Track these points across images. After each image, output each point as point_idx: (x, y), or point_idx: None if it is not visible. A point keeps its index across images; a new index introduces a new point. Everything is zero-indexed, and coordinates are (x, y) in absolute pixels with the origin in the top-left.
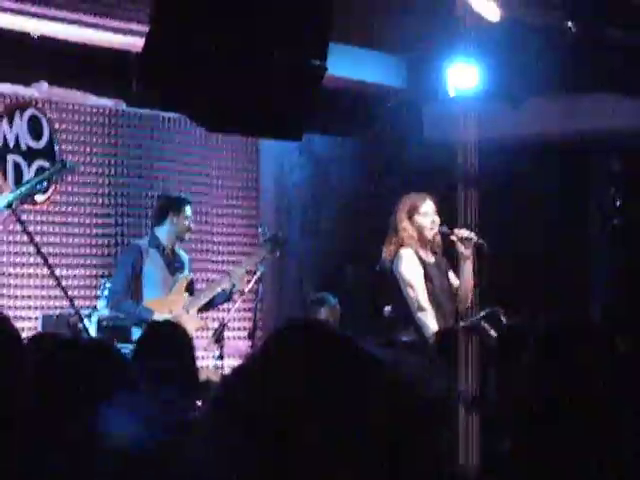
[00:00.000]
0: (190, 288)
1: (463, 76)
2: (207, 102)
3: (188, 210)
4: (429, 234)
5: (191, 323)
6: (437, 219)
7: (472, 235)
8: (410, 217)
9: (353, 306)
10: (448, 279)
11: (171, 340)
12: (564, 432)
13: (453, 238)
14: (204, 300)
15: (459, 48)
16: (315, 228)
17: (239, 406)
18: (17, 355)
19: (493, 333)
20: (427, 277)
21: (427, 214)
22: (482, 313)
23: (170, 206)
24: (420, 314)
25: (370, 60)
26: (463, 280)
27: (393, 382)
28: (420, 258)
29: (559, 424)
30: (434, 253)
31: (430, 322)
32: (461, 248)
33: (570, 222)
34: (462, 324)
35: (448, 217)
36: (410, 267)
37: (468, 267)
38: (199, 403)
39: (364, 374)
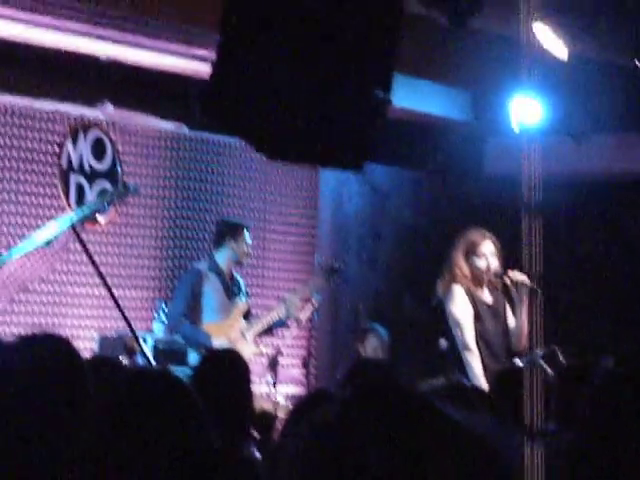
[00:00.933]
0: (247, 314)
1: (527, 111)
2: (268, 130)
3: (246, 235)
4: (484, 276)
5: (248, 349)
6: (494, 262)
7: (525, 279)
8: (467, 256)
9: (408, 338)
10: (503, 319)
11: (229, 369)
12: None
13: (507, 281)
14: (261, 326)
15: (523, 83)
16: (372, 258)
17: (317, 466)
18: (80, 384)
19: (551, 372)
20: (477, 317)
21: (484, 256)
22: (540, 352)
23: (228, 231)
24: (466, 353)
25: (434, 93)
26: (517, 322)
27: (474, 448)
28: (472, 297)
29: (620, 466)
30: (492, 291)
31: (475, 363)
32: (514, 291)
33: (635, 258)
34: (520, 363)
35: (509, 252)
36: (460, 306)
37: (522, 310)
38: (254, 433)
39: (446, 440)
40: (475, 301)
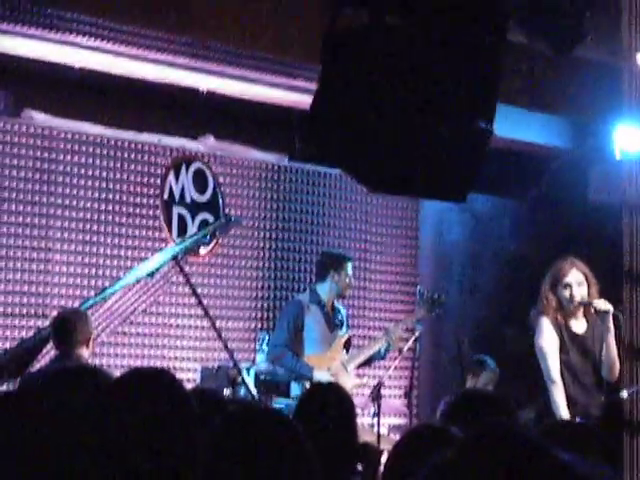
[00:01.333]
0: (348, 346)
1: (630, 138)
2: (370, 162)
3: (349, 267)
4: (569, 305)
5: (350, 381)
6: (581, 291)
7: (608, 306)
8: (553, 287)
9: (510, 368)
10: (596, 349)
11: (333, 402)
12: None
13: (592, 310)
14: (362, 358)
15: (626, 110)
16: (474, 287)
17: None
18: (188, 420)
19: None
20: (563, 347)
21: (569, 285)
22: None
23: (331, 263)
24: (550, 384)
25: (535, 121)
26: (607, 351)
27: None
28: (560, 328)
29: None
30: (587, 321)
31: (557, 395)
32: (599, 320)
33: None
34: (623, 395)
35: (611, 283)
36: (544, 337)
37: (610, 338)
38: (359, 467)
39: None
40: (562, 332)
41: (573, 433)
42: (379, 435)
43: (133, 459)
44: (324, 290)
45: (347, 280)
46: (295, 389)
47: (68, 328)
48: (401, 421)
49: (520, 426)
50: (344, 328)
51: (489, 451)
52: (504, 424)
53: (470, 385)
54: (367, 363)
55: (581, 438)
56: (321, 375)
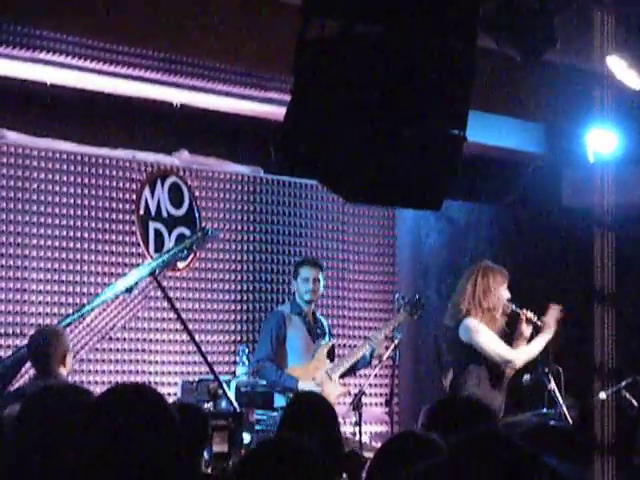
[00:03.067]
0: (331, 354)
1: (602, 141)
2: (345, 171)
3: (304, 272)
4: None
5: (335, 390)
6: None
7: (535, 318)
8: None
9: None
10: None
11: (316, 412)
12: None
13: (521, 316)
14: (346, 366)
15: (598, 114)
16: (452, 293)
17: None
18: (171, 436)
19: (635, 402)
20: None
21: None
22: (623, 382)
23: (293, 272)
24: (510, 364)
25: (509, 127)
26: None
27: None
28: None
29: None
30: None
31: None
32: (521, 326)
33: None
34: (604, 394)
35: (585, 284)
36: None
37: (520, 343)
38: (344, 476)
39: None
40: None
41: (550, 436)
42: (361, 444)
43: (116, 475)
44: (300, 300)
45: (305, 284)
46: (279, 400)
47: (42, 345)
48: (382, 429)
49: (505, 432)
50: (327, 337)
51: (479, 456)
52: (492, 430)
53: (446, 386)
54: (352, 371)
55: (557, 440)
56: (306, 386)
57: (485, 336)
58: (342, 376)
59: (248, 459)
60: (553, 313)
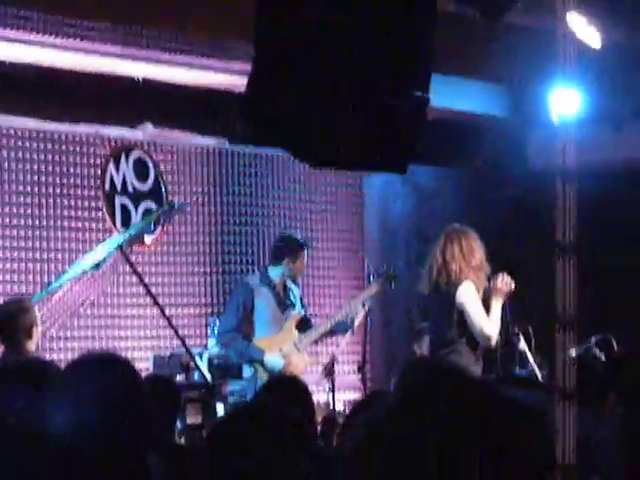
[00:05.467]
0: (301, 325)
1: (566, 102)
2: (308, 138)
3: (304, 254)
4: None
5: (302, 361)
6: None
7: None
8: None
9: None
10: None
11: (290, 398)
12: None
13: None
14: (315, 336)
15: (561, 74)
16: (420, 258)
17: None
18: (142, 406)
19: (604, 358)
20: None
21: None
22: (593, 339)
23: (288, 250)
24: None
25: (472, 90)
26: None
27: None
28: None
29: None
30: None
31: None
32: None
33: None
34: (574, 352)
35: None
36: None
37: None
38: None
39: (511, 420)
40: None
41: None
42: (335, 411)
43: (86, 447)
44: (276, 273)
45: (301, 267)
46: (247, 371)
47: (8, 318)
48: (356, 396)
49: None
50: (297, 308)
51: (431, 392)
52: (440, 368)
53: (418, 353)
54: (331, 335)
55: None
56: (272, 357)
57: (476, 306)
58: (316, 342)
59: (224, 422)
60: (501, 278)
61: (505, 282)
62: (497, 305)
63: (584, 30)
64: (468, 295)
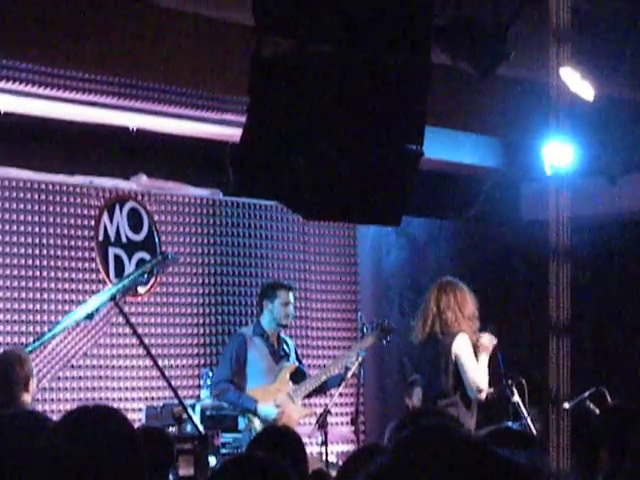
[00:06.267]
0: (295, 376)
1: (559, 154)
2: (303, 190)
3: (283, 295)
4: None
5: (296, 412)
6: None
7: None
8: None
9: None
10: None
11: (284, 438)
12: None
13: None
14: (310, 388)
15: (554, 127)
16: (414, 310)
17: None
18: (137, 458)
19: (598, 412)
20: None
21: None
22: (587, 393)
23: (265, 293)
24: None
25: (466, 142)
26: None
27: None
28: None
29: None
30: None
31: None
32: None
33: None
34: (567, 405)
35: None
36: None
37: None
38: None
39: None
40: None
41: (504, 434)
42: (327, 463)
43: None
44: (266, 321)
45: (283, 309)
46: (242, 423)
47: (4, 371)
48: (349, 448)
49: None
50: (291, 359)
51: (425, 451)
52: (436, 423)
53: (410, 406)
54: (321, 391)
55: (511, 436)
56: (266, 407)
57: (471, 359)
58: (309, 396)
59: (218, 475)
60: (487, 336)
61: (490, 339)
62: (484, 359)
63: (578, 84)
64: (464, 347)
